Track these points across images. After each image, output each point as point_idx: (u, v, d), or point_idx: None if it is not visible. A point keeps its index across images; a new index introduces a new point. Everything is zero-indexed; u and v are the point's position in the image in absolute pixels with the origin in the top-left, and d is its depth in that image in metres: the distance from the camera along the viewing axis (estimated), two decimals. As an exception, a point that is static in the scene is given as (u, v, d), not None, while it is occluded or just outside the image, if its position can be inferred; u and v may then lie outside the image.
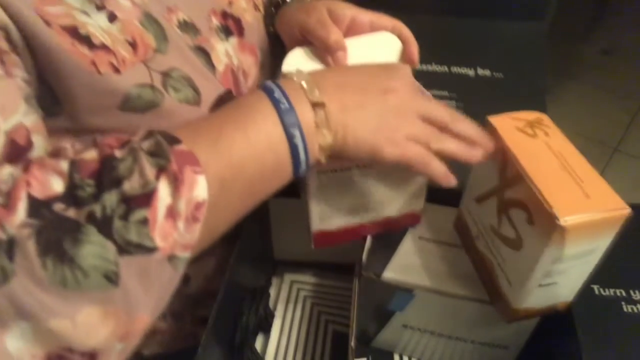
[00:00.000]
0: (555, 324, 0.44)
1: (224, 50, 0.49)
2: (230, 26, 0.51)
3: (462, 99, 0.63)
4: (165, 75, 0.42)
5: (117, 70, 0.39)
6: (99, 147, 0.32)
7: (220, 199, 0.33)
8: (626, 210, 0.35)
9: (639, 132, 1.75)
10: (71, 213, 0.29)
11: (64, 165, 0.30)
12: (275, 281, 0.63)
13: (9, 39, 0.35)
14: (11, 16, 0.34)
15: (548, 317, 0.43)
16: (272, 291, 0.62)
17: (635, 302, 0.43)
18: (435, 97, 0.64)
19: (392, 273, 0.47)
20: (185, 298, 0.59)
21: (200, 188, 0.31)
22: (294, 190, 0.57)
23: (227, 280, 0.49)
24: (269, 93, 0.36)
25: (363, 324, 0.51)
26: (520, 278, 0.39)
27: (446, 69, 0.67)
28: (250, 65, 0.52)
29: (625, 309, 0.43)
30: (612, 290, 0.44)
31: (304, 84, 0.37)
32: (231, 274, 0.50)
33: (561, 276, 0.38)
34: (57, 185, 0.30)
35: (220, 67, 0.48)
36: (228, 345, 0.55)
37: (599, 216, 0.35)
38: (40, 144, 0.35)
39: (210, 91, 0.46)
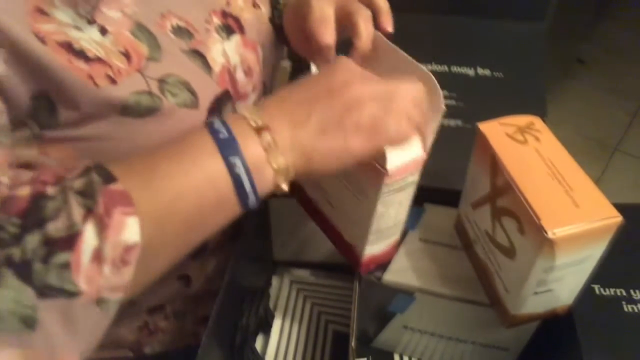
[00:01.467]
0: (556, 324, 0.44)
1: (220, 50, 0.49)
2: (231, 24, 0.51)
3: (462, 99, 0.63)
4: (162, 81, 0.42)
5: (113, 81, 0.39)
6: (32, 184, 0.31)
7: (155, 238, 0.32)
8: (617, 219, 0.35)
9: (639, 132, 1.75)
10: None
11: None
12: (275, 281, 0.63)
13: None
14: (5, 38, 0.34)
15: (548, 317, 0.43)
16: (272, 291, 0.62)
17: (635, 302, 0.43)
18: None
19: (392, 276, 0.47)
20: (186, 298, 0.59)
21: (130, 231, 0.30)
22: (293, 191, 0.56)
23: (227, 280, 0.49)
24: (210, 126, 0.35)
25: (363, 324, 0.51)
26: (516, 286, 0.39)
27: (446, 68, 0.67)
28: (253, 61, 0.53)
29: (625, 309, 0.43)
30: (612, 290, 0.44)
31: (245, 113, 0.35)
32: (231, 274, 0.50)
33: (556, 283, 0.38)
34: None
35: (216, 68, 0.48)
36: (228, 346, 0.55)
37: (588, 226, 0.35)
38: None
39: (207, 93, 0.46)
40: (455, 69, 0.67)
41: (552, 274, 0.37)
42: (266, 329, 0.58)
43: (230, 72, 0.49)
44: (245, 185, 0.34)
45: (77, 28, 0.38)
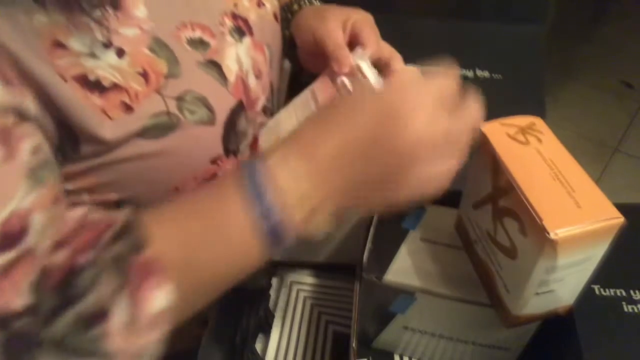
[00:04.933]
0: (556, 325, 0.44)
1: (234, 56, 0.49)
2: (242, 26, 0.51)
3: (461, 100, 0.63)
4: (180, 99, 0.43)
5: (129, 108, 0.40)
6: (69, 249, 0.32)
7: (184, 300, 0.33)
8: (619, 220, 0.35)
9: (639, 132, 1.76)
10: (32, 327, 0.30)
11: (27, 285, 0.31)
12: (275, 282, 0.63)
13: (19, 113, 0.34)
14: (32, 80, 0.35)
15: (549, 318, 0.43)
16: (272, 292, 0.62)
17: (635, 302, 0.43)
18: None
19: (393, 276, 0.47)
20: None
21: (160, 300, 0.31)
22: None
23: (227, 281, 0.49)
24: (252, 193, 0.32)
25: (364, 324, 0.51)
26: (517, 286, 0.39)
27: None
28: (262, 63, 0.53)
29: (625, 309, 0.43)
30: (612, 290, 0.44)
31: (293, 185, 0.32)
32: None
33: (558, 284, 0.38)
34: (17, 303, 0.30)
35: (231, 78, 0.48)
36: (228, 347, 0.55)
37: (590, 227, 0.35)
38: (38, 223, 0.33)
39: (223, 107, 0.46)
40: (454, 70, 0.67)
41: (553, 275, 0.37)
42: (266, 329, 0.58)
43: (243, 80, 0.49)
44: (279, 245, 0.34)
45: (93, 55, 0.38)
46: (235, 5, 0.51)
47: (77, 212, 0.36)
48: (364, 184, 0.33)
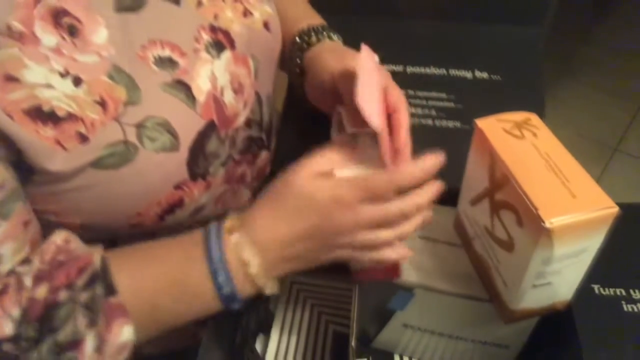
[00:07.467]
0: (556, 324, 0.44)
1: (208, 74, 0.47)
2: (222, 40, 0.49)
3: (460, 101, 0.63)
4: (140, 126, 0.42)
5: (85, 138, 0.39)
6: (49, 285, 0.37)
7: (145, 334, 0.41)
8: (614, 209, 0.35)
9: (639, 132, 1.75)
10: (16, 350, 0.36)
11: (16, 313, 0.36)
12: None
13: None
14: None
15: (548, 316, 0.43)
16: (273, 292, 0.62)
17: (635, 302, 0.43)
18: (434, 99, 0.64)
19: (392, 273, 0.47)
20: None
21: (125, 334, 0.38)
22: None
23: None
24: (214, 276, 0.40)
25: (363, 324, 0.51)
26: (515, 279, 0.39)
27: (444, 71, 0.67)
28: (244, 76, 0.51)
29: (625, 309, 0.43)
30: (612, 290, 0.44)
31: (257, 276, 0.40)
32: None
33: (555, 276, 0.38)
34: (8, 328, 0.36)
35: (201, 97, 0.46)
36: (228, 346, 0.55)
37: (585, 216, 0.35)
38: (9, 251, 0.38)
39: (189, 130, 0.45)
40: (453, 72, 0.67)
41: (550, 266, 0.37)
42: (266, 329, 0.58)
43: (216, 98, 0.47)
44: (234, 304, 0.42)
45: (49, 86, 0.38)
46: (216, 17, 0.49)
47: (59, 238, 0.41)
48: (296, 260, 0.42)
